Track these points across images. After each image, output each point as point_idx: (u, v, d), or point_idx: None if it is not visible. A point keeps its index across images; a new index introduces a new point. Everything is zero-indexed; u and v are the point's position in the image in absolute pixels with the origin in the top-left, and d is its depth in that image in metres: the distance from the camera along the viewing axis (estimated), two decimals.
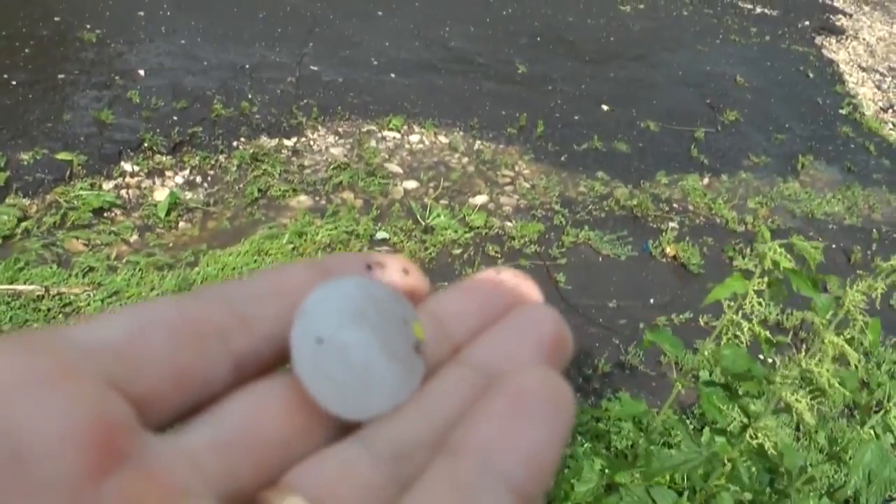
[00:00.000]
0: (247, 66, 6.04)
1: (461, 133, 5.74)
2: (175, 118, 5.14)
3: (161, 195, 4.50)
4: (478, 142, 5.67)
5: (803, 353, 1.76)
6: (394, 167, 5.19)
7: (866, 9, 9.44)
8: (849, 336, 1.84)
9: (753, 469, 2.06)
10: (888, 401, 3.08)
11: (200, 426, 0.29)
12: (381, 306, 0.33)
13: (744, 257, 4.75)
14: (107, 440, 0.25)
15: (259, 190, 4.69)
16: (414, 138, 5.57)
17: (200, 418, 0.29)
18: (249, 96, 5.59)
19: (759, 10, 9.10)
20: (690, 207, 5.29)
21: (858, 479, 2.73)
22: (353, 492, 0.28)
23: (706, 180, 5.73)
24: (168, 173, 4.71)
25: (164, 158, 4.79)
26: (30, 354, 0.25)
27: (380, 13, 7.57)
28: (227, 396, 0.30)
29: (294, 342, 0.31)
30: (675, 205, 5.29)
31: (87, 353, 0.27)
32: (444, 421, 0.30)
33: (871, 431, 2.98)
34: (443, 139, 5.62)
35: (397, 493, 0.28)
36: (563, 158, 5.66)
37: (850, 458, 2.66)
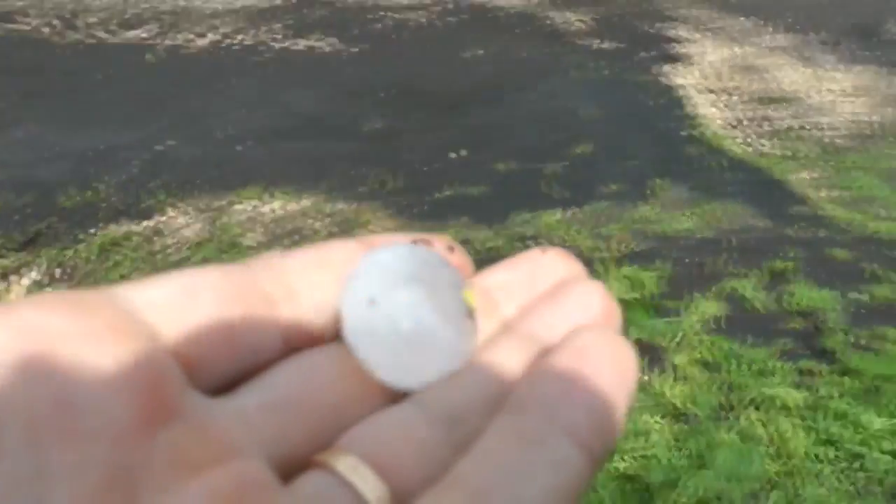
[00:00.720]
0: (97, 151, 6.02)
1: (317, 197, 5.81)
2: (26, 212, 5.08)
3: (18, 293, 4.44)
4: (334, 204, 5.74)
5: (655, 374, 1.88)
6: (253, 238, 5.21)
7: (706, 34, 9.86)
8: (696, 355, 1.98)
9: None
10: (749, 403, 3.26)
11: (251, 390, 0.29)
12: (433, 271, 0.32)
13: None
14: (156, 394, 0.25)
15: (121, 276, 4.63)
16: (271, 207, 5.61)
17: (250, 383, 0.29)
18: (102, 181, 5.56)
19: (600, 45, 9.43)
20: (548, 241, 5.38)
21: (720, 479, 2.88)
22: (409, 451, 0.28)
23: (564, 213, 5.90)
24: (23, 270, 4.64)
25: (16, 256, 4.73)
26: (78, 310, 0.25)
27: (226, 84, 7.64)
28: (277, 364, 0.30)
29: (344, 305, 0.31)
30: (533, 241, 5.40)
31: (136, 312, 0.27)
32: (501, 386, 0.30)
33: (732, 435, 3.15)
34: (300, 205, 5.68)
35: (454, 455, 0.27)
36: (421, 209, 5.77)
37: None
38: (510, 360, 0.31)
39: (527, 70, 8.70)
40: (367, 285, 0.31)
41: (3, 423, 0.23)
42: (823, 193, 6.29)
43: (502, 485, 0.25)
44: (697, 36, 9.78)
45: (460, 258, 0.35)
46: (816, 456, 3.11)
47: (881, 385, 3.50)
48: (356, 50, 8.89)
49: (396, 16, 9.75)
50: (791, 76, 8.65)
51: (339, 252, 0.33)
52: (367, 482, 0.27)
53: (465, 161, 6.54)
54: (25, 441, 0.23)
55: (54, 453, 0.23)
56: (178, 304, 0.28)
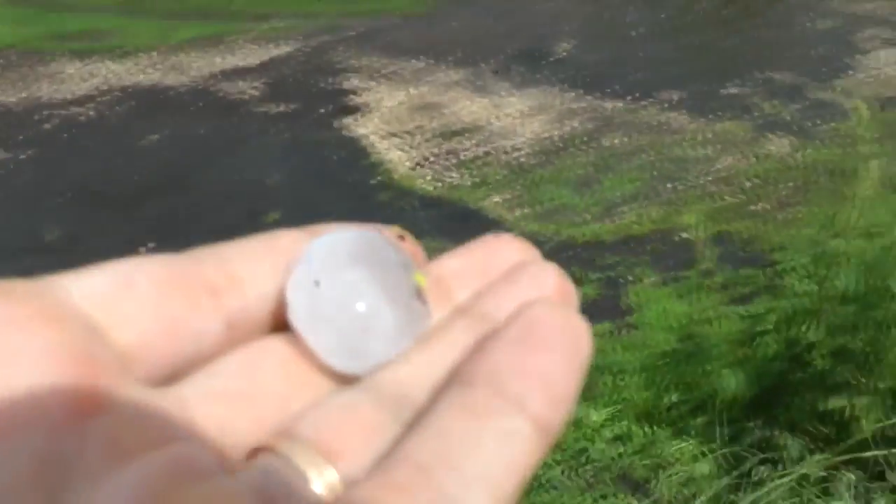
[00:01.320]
0: None
1: None
2: None
3: None
4: None
5: None
6: None
7: (380, 80, 10.06)
8: None
9: None
10: None
11: (193, 380, 0.28)
12: (380, 254, 0.32)
13: None
14: (90, 382, 0.24)
15: None
16: None
17: (192, 374, 0.28)
18: None
19: (277, 109, 9.41)
20: None
21: None
22: (357, 434, 0.27)
23: None
24: None
25: None
26: (5, 297, 0.25)
27: None
28: (220, 354, 0.29)
29: (290, 288, 0.30)
30: None
31: (69, 300, 0.26)
32: (451, 364, 0.29)
33: None
34: None
35: (403, 433, 0.27)
36: None
37: None
38: (460, 339, 0.30)
39: (207, 147, 8.46)
40: (312, 268, 0.30)
41: None
42: (517, 212, 6.42)
43: (448, 458, 0.24)
44: (372, 84, 9.93)
45: (411, 246, 0.34)
46: (544, 463, 3.16)
47: (594, 380, 3.63)
48: (25, 156, 8.39)
49: (63, 112, 9.33)
50: (469, 108, 8.86)
51: (284, 240, 0.32)
52: (315, 466, 0.26)
53: (155, 253, 6.26)
54: None
55: None
56: (114, 293, 0.27)
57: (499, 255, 0.34)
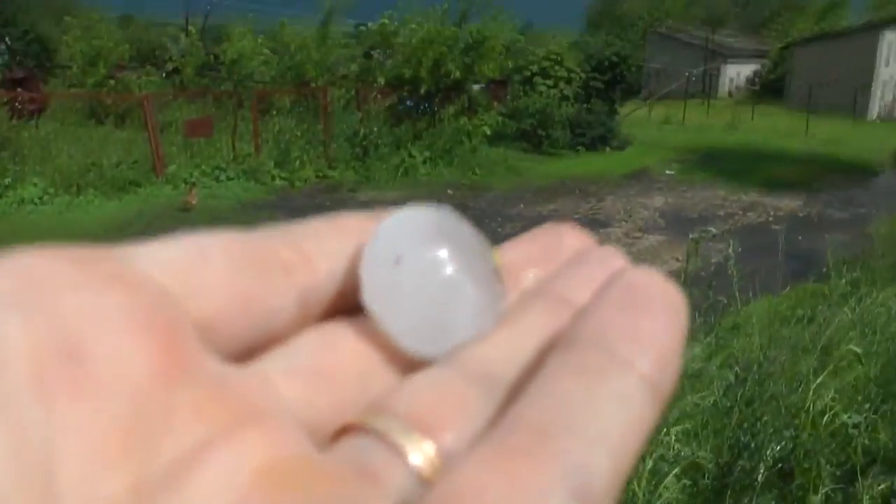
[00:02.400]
0: None
1: None
2: None
3: None
4: None
5: None
6: None
7: None
8: None
9: None
10: None
11: (271, 357, 0.28)
12: (461, 230, 0.31)
13: None
14: (172, 349, 0.23)
15: None
16: None
17: (270, 352, 0.28)
18: None
19: None
20: None
21: None
22: (451, 409, 0.26)
23: None
24: None
25: None
26: (82, 261, 0.24)
27: None
28: (296, 333, 0.29)
29: (365, 267, 0.29)
30: None
31: (145, 268, 0.25)
32: (539, 342, 0.29)
33: None
34: None
35: (497, 414, 0.26)
36: None
37: None
38: (539, 319, 0.30)
39: None
40: (392, 244, 0.30)
41: (8, 372, 0.21)
42: None
43: (568, 421, 0.23)
44: None
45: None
46: None
47: None
48: None
49: None
50: None
51: (351, 220, 0.32)
52: (411, 440, 0.25)
53: None
54: (33, 391, 0.21)
55: (64, 405, 0.21)
56: (188, 265, 0.26)
57: (560, 242, 0.34)
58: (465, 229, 0.31)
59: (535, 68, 25.23)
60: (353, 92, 20.84)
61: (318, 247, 0.30)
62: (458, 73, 19.15)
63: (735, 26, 69.67)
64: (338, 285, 0.30)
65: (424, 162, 18.15)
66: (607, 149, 23.58)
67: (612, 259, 0.32)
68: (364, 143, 17.78)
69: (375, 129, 18.24)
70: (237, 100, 19.70)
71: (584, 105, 24.42)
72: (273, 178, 16.00)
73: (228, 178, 15.62)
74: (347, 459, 0.25)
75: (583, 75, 25.79)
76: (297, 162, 16.55)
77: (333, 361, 0.28)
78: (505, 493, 0.21)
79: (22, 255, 0.23)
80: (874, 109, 43.97)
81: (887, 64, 44.49)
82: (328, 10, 22.57)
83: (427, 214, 0.31)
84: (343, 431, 0.26)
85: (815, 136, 31.08)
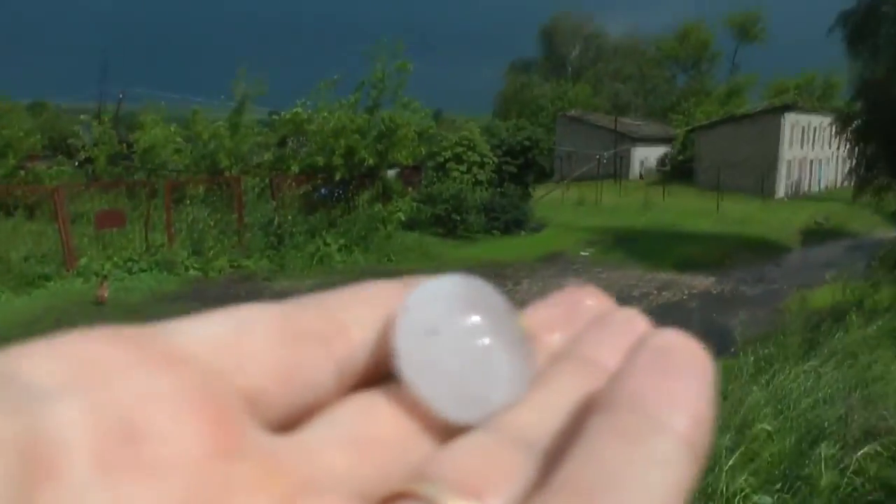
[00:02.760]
0: None
1: None
2: None
3: None
4: None
5: None
6: None
7: None
8: None
9: None
10: None
11: (313, 428, 0.28)
12: (490, 298, 0.31)
13: None
14: (224, 426, 0.24)
15: None
16: None
17: (311, 422, 0.29)
18: None
19: None
20: None
21: None
22: (495, 473, 0.27)
23: None
24: None
25: None
26: (130, 342, 0.24)
27: None
28: (334, 403, 0.30)
29: (400, 338, 0.30)
30: None
31: (190, 345, 0.26)
32: (572, 404, 0.29)
33: None
34: None
35: (540, 477, 0.26)
36: None
37: None
38: (571, 382, 0.30)
39: None
40: (426, 315, 0.30)
41: (72, 456, 0.21)
42: None
43: (609, 483, 0.24)
44: None
45: None
46: None
47: None
48: None
49: None
50: None
51: (381, 289, 0.32)
52: None
53: None
54: (97, 473, 0.21)
55: (127, 485, 0.22)
56: (231, 339, 0.27)
57: (580, 305, 0.35)
58: (494, 296, 0.32)
59: (448, 154, 25.63)
60: (267, 180, 20.83)
61: (352, 316, 0.31)
62: (371, 161, 19.42)
63: (640, 112, 71.57)
64: (371, 354, 0.31)
65: (339, 249, 18.30)
66: (522, 232, 24.00)
67: (635, 320, 0.33)
68: (278, 231, 17.88)
69: (290, 217, 18.39)
70: (150, 189, 19.58)
71: (498, 189, 24.81)
72: (187, 268, 15.93)
73: (141, 270, 15.50)
74: None
75: (495, 160, 26.23)
76: (211, 252, 16.52)
77: (374, 430, 0.29)
78: None
79: (74, 339, 0.24)
80: (781, 188, 45.34)
81: (790, 145, 45.98)
82: (241, 98, 22.65)
83: (457, 284, 0.31)
84: (391, 499, 0.26)
85: (726, 215, 31.87)
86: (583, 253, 20.62)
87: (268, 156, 22.71)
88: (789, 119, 45.29)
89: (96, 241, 16.34)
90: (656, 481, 0.24)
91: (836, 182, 47.96)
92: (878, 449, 4.79)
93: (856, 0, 22.10)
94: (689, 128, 54.24)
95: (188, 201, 19.99)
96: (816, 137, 47.98)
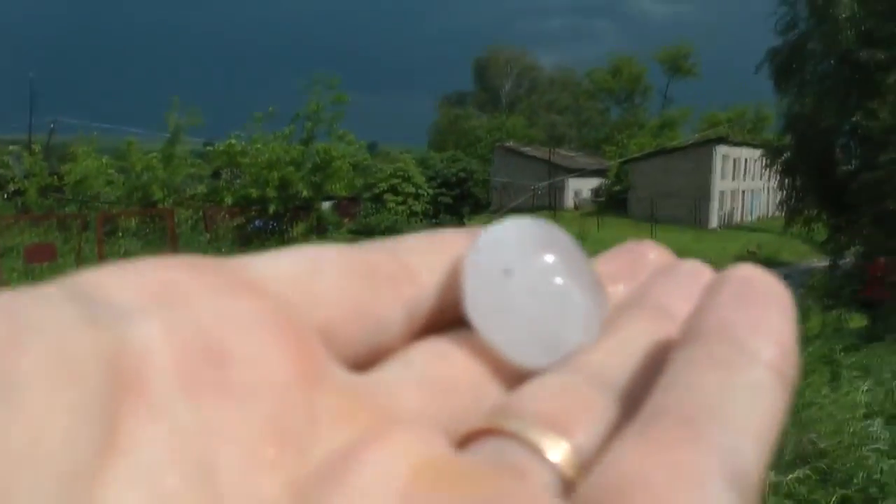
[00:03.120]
0: None
1: None
2: None
3: None
4: None
5: None
6: None
7: None
8: None
9: None
10: None
11: (386, 368, 0.28)
12: (562, 239, 0.31)
13: None
14: (307, 353, 0.24)
15: None
16: None
17: (384, 363, 0.29)
18: None
19: None
20: None
21: None
22: (579, 409, 0.27)
23: None
24: None
25: None
26: (205, 269, 0.25)
27: None
28: (404, 347, 0.30)
29: (470, 280, 0.29)
30: None
31: (266, 278, 0.26)
32: (646, 349, 0.29)
33: None
34: None
35: (623, 415, 0.26)
36: None
37: None
38: (645, 325, 0.30)
39: None
40: (498, 256, 0.29)
41: (156, 372, 0.21)
42: None
43: (711, 410, 0.24)
44: None
45: None
46: None
47: None
48: None
49: None
50: None
51: (450, 235, 0.32)
52: (549, 439, 0.25)
53: None
54: (184, 394, 0.21)
55: (214, 407, 0.22)
56: (303, 275, 0.27)
57: (644, 257, 0.35)
58: (565, 238, 0.31)
59: (383, 186, 25.74)
60: (200, 212, 20.74)
61: (421, 260, 0.31)
62: (306, 193, 19.38)
63: (575, 144, 72.18)
64: (440, 299, 0.31)
65: None
66: None
67: (701, 270, 0.33)
68: None
69: (223, 249, 18.19)
70: (82, 222, 19.34)
71: (434, 220, 24.95)
72: None
73: None
74: (487, 460, 0.25)
75: (431, 191, 26.37)
76: None
77: (447, 372, 0.29)
78: (667, 480, 0.22)
79: (152, 263, 0.24)
80: (714, 219, 45.95)
81: (723, 176, 46.63)
82: (174, 130, 22.41)
83: (528, 225, 0.31)
84: (475, 435, 0.27)
85: (661, 245, 32.31)
86: None
87: (201, 188, 22.60)
88: (721, 151, 45.93)
89: (26, 276, 16.05)
90: (753, 407, 0.24)
91: (768, 212, 48.77)
92: (808, 472, 4.91)
93: (782, 37, 22.65)
94: (623, 159, 54.62)
95: (121, 234, 19.83)
96: (748, 169, 48.69)
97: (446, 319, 0.30)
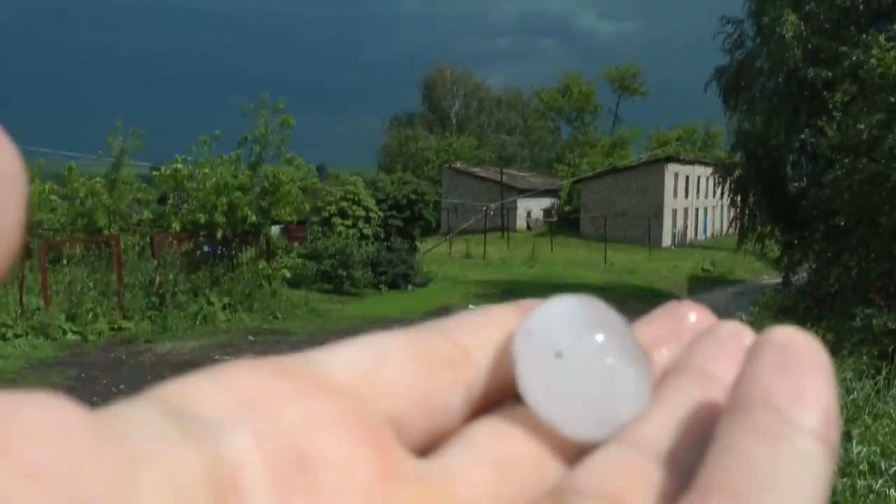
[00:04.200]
0: None
1: None
2: None
3: None
4: None
5: None
6: None
7: None
8: None
9: None
10: None
11: (451, 451, 0.30)
12: (608, 315, 0.32)
13: None
14: (384, 448, 0.26)
15: None
16: None
17: (448, 446, 0.30)
18: None
19: None
20: None
21: None
22: (636, 482, 0.28)
23: None
24: None
25: None
26: (282, 371, 0.26)
27: None
28: (464, 427, 0.31)
29: (523, 362, 0.31)
30: None
31: (336, 373, 0.28)
32: (695, 415, 0.30)
33: None
34: None
35: (680, 487, 0.27)
36: None
37: None
38: (691, 392, 0.31)
39: None
40: (549, 337, 0.31)
41: (252, 483, 0.23)
42: None
43: (760, 482, 0.24)
44: None
45: None
46: None
47: None
48: None
49: None
50: None
51: (500, 313, 0.34)
52: None
53: None
54: (274, 498, 0.23)
55: None
56: (372, 367, 0.29)
57: (685, 320, 0.36)
58: (611, 314, 0.33)
59: (332, 209, 25.69)
60: (147, 239, 20.54)
61: (474, 341, 0.32)
62: (254, 218, 19.30)
63: (526, 164, 72.56)
64: (495, 378, 0.32)
65: (224, 308, 18.12)
66: (409, 287, 24.16)
67: (742, 332, 0.33)
68: (160, 291, 17.61)
69: (171, 276, 18.12)
70: (24, 250, 18.71)
71: (384, 243, 24.91)
72: (64, 332, 15.49)
73: (16, 336, 15.00)
74: None
75: (381, 214, 26.37)
76: (90, 314, 16.11)
77: (509, 451, 0.30)
78: None
79: (232, 370, 0.26)
80: (667, 237, 46.41)
81: (675, 195, 47.13)
82: (118, 153, 22.22)
83: (575, 304, 0.32)
84: None
85: (615, 265, 32.50)
86: (470, 306, 20.70)
87: (148, 213, 22.36)
88: (672, 169, 46.67)
89: None
90: (800, 477, 0.25)
91: (721, 230, 49.31)
92: None
93: (729, 56, 22.96)
94: (575, 179, 55.20)
95: (65, 262, 19.54)
96: (700, 186, 49.27)
97: (502, 395, 0.32)
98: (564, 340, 0.31)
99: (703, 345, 0.33)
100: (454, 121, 79.48)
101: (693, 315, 0.36)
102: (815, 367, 0.27)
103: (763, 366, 0.27)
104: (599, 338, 0.31)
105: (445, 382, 0.30)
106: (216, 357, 13.38)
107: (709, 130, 69.42)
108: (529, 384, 0.30)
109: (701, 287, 28.75)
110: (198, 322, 17.30)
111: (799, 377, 0.27)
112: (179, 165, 20.21)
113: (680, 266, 32.54)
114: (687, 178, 49.38)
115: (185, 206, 20.56)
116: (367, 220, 25.80)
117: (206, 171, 19.58)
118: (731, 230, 29.00)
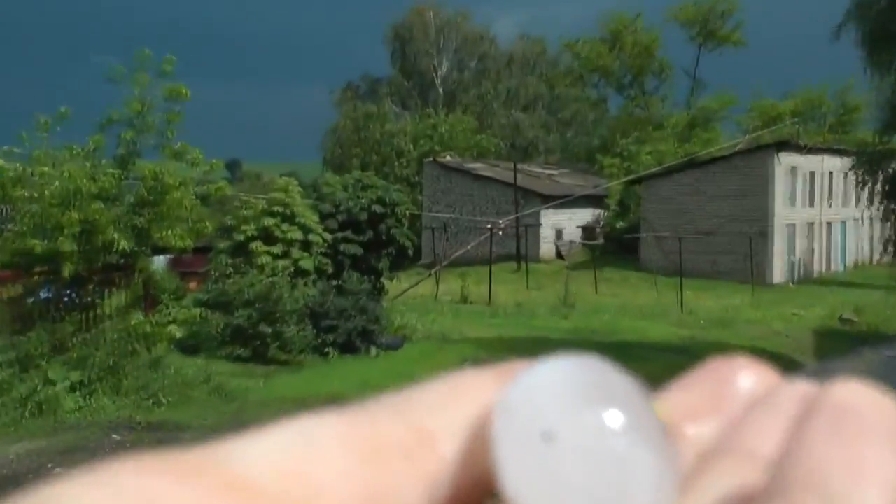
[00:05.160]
0: None
1: None
2: None
3: None
4: None
5: None
6: None
7: None
8: None
9: None
10: None
11: None
12: (615, 384, 0.34)
13: None
14: None
15: None
16: None
17: None
18: None
19: None
20: None
21: None
22: None
23: None
24: None
25: None
26: (183, 472, 0.29)
27: None
28: None
29: (504, 447, 0.33)
30: None
31: (253, 472, 0.30)
32: None
33: None
34: None
35: None
36: None
37: None
38: (730, 482, 0.33)
39: None
40: (537, 413, 0.33)
41: None
42: None
43: None
44: None
45: None
46: None
47: None
48: None
49: None
50: None
51: (471, 383, 0.36)
52: None
53: None
54: None
55: None
56: (300, 462, 0.31)
57: (734, 381, 0.38)
58: (620, 380, 0.33)
59: (251, 229, 24.78)
60: None
61: (438, 422, 0.33)
62: (125, 244, 18.42)
63: (554, 156, 70.71)
64: (466, 468, 0.33)
65: (73, 390, 17.18)
66: (373, 350, 23.32)
67: (794, 399, 0.33)
68: None
69: None
70: None
71: (334, 283, 24.06)
72: None
73: None
74: None
75: (328, 236, 25.49)
76: None
77: None
78: None
79: (123, 470, 0.27)
80: (778, 269, 44.75)
81: (791, 201, 45.41)
82: None
83: (570, 368, 0.33)
84: None
85: (696, 314, 31.54)
86: None
87: None
88: (786, 161, 45.09)
89: None
90: None
91: (869, 255, 48.19)
92: None
93: None
94: (631, 178, 53.99)
95: None
96: (833, 188, 47.99)
97: (474, 494, 0.33)
98: (556, 418, 0.32)
99: (753, 417, 0.34)
100: (440, 90, 78.17)
101: (745, 375, 0.37)
102: (879, 431, 0.28)
103: (814, 432, 0.29)
104: (604, 413, 0.32)
105: (399, 479, 0.32)
106: (56, 469, 12.58)
107: (843, 100, 67.83)
108: (511, 478, 0.31)
109: (838, 347, 27.75)
110: (27, 413, 16.42)
111: (857, 445, 0.28)
112: (1, 162, 19.16)
113: (802, 315, 31.70)
114: (811, 174, 47.85)
115: (11, 226, 19.66)
116: (306, 245, 24.97)
117: (47, 169, 18.68)
118: (884, 256, 28.10)
